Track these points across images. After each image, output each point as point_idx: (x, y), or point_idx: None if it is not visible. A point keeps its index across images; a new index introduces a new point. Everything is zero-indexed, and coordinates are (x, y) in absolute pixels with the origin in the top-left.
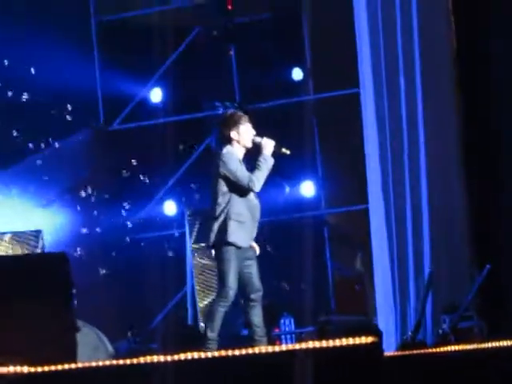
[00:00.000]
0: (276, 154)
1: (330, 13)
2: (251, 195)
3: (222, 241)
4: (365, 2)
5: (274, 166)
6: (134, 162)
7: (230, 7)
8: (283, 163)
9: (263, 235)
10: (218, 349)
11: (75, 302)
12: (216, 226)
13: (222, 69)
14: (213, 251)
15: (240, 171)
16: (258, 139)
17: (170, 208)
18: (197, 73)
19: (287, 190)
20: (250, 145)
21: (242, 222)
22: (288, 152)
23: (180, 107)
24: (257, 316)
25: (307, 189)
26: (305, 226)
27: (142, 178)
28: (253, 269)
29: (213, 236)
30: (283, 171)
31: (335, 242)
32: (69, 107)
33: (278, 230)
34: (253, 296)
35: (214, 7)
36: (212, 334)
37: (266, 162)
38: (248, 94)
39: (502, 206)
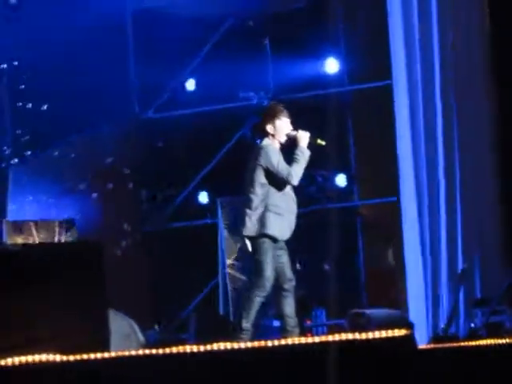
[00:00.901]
0: (312, 146)
1: (365, 2)
2: (288, 188)
3: (260, 232)
4: None
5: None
6: (167, 150)
7: None
8: (317, 155)
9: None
10: (250, 339)
11: (108, 290)
12: (254, 217)
13: (257, 59)
14: (247, 241)
15: (281, 164)
16: (292, 133)
17: (203, 197)
18: (231, 62)
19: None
20: (283, 140)
21: (280, 214)
22: (323, 143)
23: (214, 97)
24: (289, 306)
25: (340, 180)
26: (337, 217)
27: (175, 167)
28: (284, 259)
29: (251, 227)
30: (316, 163)
31: (368, 234)
32: (104, 95)
33: (310, 220)
34: (285, 286)
35: None
36: (247, 325)
37: (303, 154)
38: (282, 84)
39: None
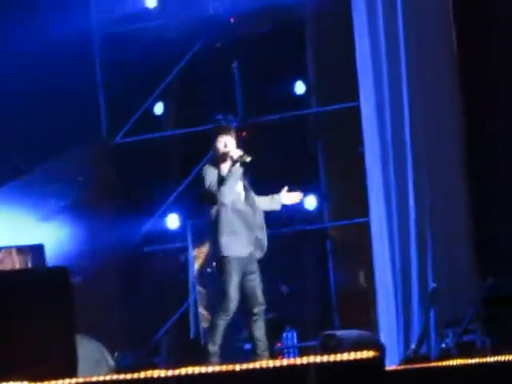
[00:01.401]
0: (241, 163)
1: (332, 26)
2: (240, 203)
3: (218, 254)
4: (365, 15)
5: (277, 180)
6: (136, 175)
7: (232, 20)
8: (286, 176)
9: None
10: (220, 363)
11: (76, 315)
12: (211, 239)
13: (225, 82)
14: (214, 263)
15: (213, 183)
16: (226, 151)
17: (173, 221)
18: (199, 86)
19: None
20: (222, 158)
21: (234, 232)
22: (249, 159)
23: (183, 120)
24: (259, 330)
25: (310, 202)
26: (308, 238)
27: (144, 192)
28: (256, 282)
29: (212, 250)
30: (286, 185)
31: (338, 256)
32: (72, 119)
33: (280, 242)
34: (255, 310)
35: (216, 20)
36: (213, 348)
37: (232, 173)
38: (251, 107)
39: (504, 218)
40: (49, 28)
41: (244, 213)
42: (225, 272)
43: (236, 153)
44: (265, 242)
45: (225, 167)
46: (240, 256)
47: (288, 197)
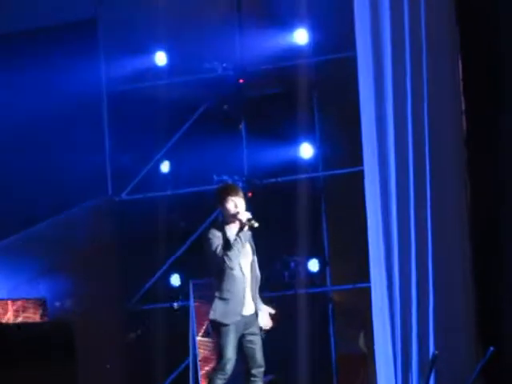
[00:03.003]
0: (249, 227)
1: (341, 89)
2: (242, 268)
3: (213, 318)
4: (372, 81)
5: (281, 242)
6: (140, 232)
7: (241, 81)
8: (290, 240)
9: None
10: None
11: (78, 370)
12: (211, 301)
13: (232, 142)
14: (209, 324)
15: (215, 246)
16: (236, 212)
17: (175, 280)
18: (206, 146)
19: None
20: (231, 219)
21: (226, 299)
22: (256, 225)
23: (188, 180)
24: None
25: (313, 265)
26: (309, 302)
27: (147, 250)
28: (256, 344)
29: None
30: (289, 247)
31: (339, 319)
32: (78, 176)
33: (282, 304)
34: (254, 371)
35: (225, 81)
36: None
37: (240, 237)
38: (256, 168)
39: (505, 287)
40: (58, 85)
41: (244, 278)
42: (219, 334)
43: (245, 216)
44: (260, 306)
45: (232, 228)
46: (226, 323)
47: (265, 320)
